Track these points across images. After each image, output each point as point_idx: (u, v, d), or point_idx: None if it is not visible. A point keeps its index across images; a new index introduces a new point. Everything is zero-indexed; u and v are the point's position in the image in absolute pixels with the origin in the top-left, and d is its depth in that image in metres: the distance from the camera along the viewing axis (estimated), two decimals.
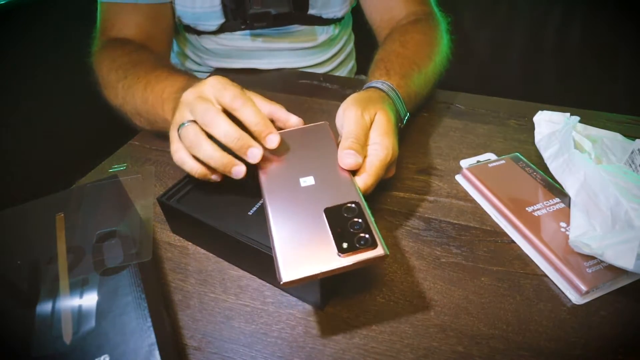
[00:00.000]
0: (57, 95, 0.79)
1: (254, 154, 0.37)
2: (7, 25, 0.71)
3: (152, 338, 0.31)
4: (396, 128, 0.44)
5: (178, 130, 0.39)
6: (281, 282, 0.29)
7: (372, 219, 0.33)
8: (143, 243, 0.38)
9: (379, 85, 0.49)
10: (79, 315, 0.32)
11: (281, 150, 0.40)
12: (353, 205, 0.34)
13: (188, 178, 0.43)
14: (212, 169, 0.39)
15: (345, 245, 0.31)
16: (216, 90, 0.39)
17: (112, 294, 0.34)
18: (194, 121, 0.38)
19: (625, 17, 0.83)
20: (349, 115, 0.41)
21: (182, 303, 0.38)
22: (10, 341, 0.32)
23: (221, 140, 0.37)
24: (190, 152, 0.39)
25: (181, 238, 0.44)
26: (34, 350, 0.30)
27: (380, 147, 0.40)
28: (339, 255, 0.30)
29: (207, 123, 0.37)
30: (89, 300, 0.33)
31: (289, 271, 0.30)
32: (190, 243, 0.44)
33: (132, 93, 0.54)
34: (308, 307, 0.37)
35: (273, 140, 0.38)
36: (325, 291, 0.36)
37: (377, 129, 0.41)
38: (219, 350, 0.34)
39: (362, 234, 0.31)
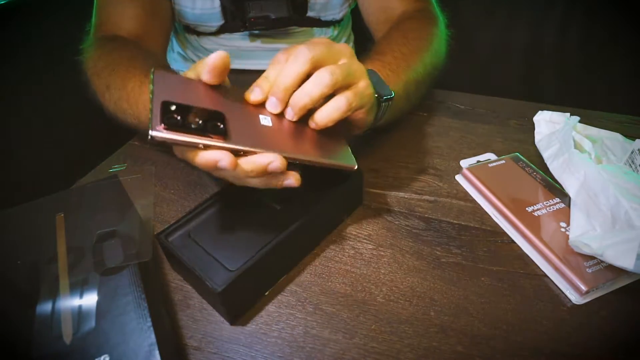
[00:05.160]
0: (57, 95, 0.79)
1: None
2: (7, 25, 0.71)
3: (152, 338, 0.31)
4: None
5: None
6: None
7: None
8: (143, 243, 0.38)
9: None
10: (79, 315, 0.32)
11: None
12: None
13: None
14: None
15: None
16: None
17: (112, 294, 0.34)
18: None
19: (625, 17, 0.83)
20: None
21: (182, 303, 0.38)
22: (10, 341, 0.32)
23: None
24: None
25: None
26: (34, 350, 0.30)
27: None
28: None
29: None
30: (89, 300, 0.33)
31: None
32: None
33: (114, 93, 0.51)
34: (308, 307, 0.37)
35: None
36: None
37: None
38: (219, 350, 0.34)
39: None
